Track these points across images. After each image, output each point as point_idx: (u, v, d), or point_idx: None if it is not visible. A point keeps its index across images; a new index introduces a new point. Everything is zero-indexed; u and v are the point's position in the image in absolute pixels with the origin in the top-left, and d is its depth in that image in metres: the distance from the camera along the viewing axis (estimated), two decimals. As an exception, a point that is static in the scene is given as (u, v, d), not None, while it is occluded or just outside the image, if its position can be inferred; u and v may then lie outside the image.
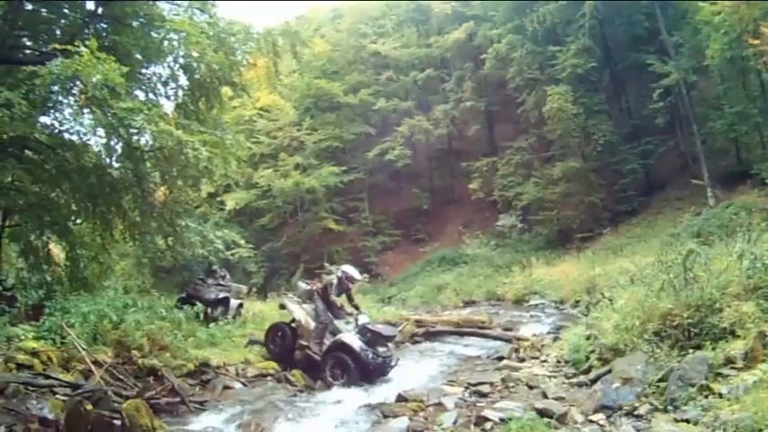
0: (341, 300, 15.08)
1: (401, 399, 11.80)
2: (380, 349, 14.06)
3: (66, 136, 15.72)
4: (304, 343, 14.34)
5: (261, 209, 49.54)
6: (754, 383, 7.84)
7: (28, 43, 16.39)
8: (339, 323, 14.44)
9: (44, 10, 16.00)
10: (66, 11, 16.28)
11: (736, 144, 34.76)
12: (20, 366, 10.63)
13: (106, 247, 18.27)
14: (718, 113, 33.92)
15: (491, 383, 12.55)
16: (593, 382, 11.26)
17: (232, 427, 10.55)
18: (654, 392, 9.35)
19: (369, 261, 45.66)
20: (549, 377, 12.79)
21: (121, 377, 11.44)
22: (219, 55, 16.25)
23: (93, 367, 11.01)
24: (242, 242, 25.18)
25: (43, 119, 15.15)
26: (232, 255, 31.91)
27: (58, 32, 15.92)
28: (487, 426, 9.43)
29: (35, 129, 14.11)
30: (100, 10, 16.34)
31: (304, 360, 14.37)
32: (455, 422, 10.04)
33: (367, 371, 13.73)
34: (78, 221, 17.90)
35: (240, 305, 19.21)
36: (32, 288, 16.22)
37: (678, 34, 35.26)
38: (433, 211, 50.72)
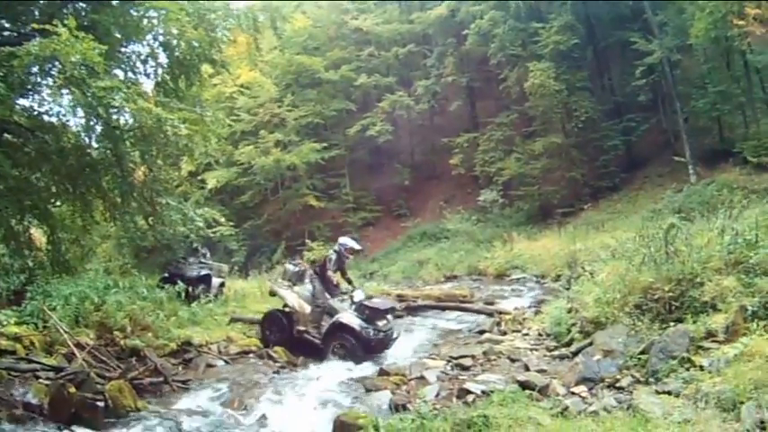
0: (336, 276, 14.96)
1: (383, 373, 11.89)
2: (380, 323, 13.99)
3: (46, 118, 15.46)
4: (301, 328, 14.12)
5: (242, 187, 49.39)
6: (735, 356, 7.86)
7: (6, 24, 16.17)
8: (334, 302, 14.35)
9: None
10: (44, -10, 16.07)
11: (718, 123, 34.94)
12: (2, 352, 10.63)
13: (87, 228, 18.00)
14: (701, 92, 34.26)
15: (473, 357, 12.59)
16: (575, 354, 11.31)
17: (216, 405, 10.58)
18: (635, 365, 9.38)
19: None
20: (531, 350, 12.84)
21: (104, 359, 11.38)
22: (199, 32, 16.09)
23: (75, 350, 10.96)
24: (223, 220, 25.11)
25: (22, 101, 14.94)
26: (213, 233, 31.76)
27: (36, 12, 15.70)
28: (469, 398, 9.46)
29: (14, 111, 13.95)
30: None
31: (304, 345, 14.18)
32: (437, 395, 10.12)
33: (370, 347, 13.72)
34: (58, 204, 17.66)
35: (222, 284, 19.23)
36: (14, 273, 16.08)
37: (662, 13, 35.50)
38: (414, 186, 50.57)
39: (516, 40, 43.36)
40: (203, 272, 18.42)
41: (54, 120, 15.48)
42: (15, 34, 15.25)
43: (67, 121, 15.38)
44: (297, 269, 15.26)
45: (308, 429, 9.37)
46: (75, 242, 18.28)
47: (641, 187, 37.61)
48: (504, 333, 15.07)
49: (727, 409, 6.70)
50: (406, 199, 50.63)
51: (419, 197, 49.95)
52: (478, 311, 18.84)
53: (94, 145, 15.82)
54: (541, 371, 10.79)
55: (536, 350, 12.82)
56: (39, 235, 18.33)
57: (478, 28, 44.50)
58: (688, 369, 8.33)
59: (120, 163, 15.48)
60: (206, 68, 18.31)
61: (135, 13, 16.17)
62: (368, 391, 10.86)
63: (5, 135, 15.39)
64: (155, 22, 16.07)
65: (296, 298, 14.42)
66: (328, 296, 14.40)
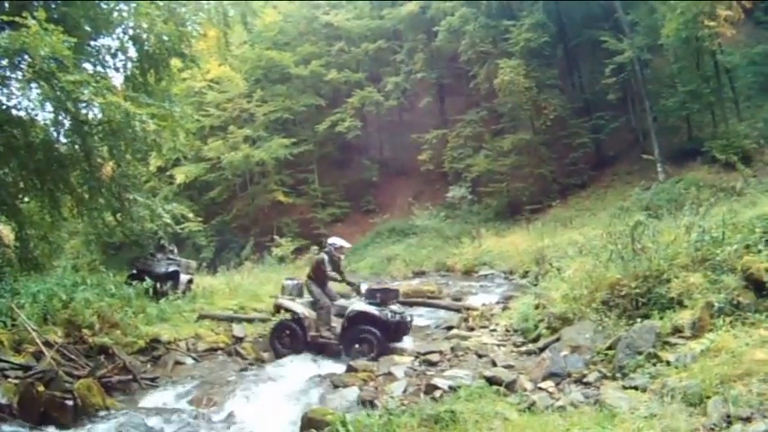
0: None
1: (351, 369, 11.88)
2: (393, 307, 14.01)
3: (14, 112, 15.32)
4: (314, 333, 13.92)
5: (210, 182, 49.00)
6: (702, 352, 7.97)
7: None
8: (341, 301, 14.33)
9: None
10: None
11: (687, 122, 35.24)
12: (-29, 352, 10.51)
13: (55, 225, 17.88)
14: (670, 91, 34.62)
15: (440, 352, 12.60)
16: (542, 350, 11.36)
17: (184, 403, 10.59)
18: (602, 360, 9.48)
19: (318, 233, 45.35)
20: (499, 346, 12.87)
21: (73, 357, 11.27)
22: (169, 26, 16.04)
23: (44, 348, 10.83)
24: (191, 216, 24.95)
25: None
26: (182, 229, 31.65)
27: (6, 4, 15.55)
28: (437, 394, 9.47)
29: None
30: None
31: (320, 348, 14.02)
32: (405, 391, 10.14)
33: (391, 334, 13.69)
34: (27, 200, 17.52)
35: (190, 280, 19.13)
36: (-18, 272, 15.92)
37: (634, 13, 35.69)
38: (382, 182, 50.77)
39: (487, 38, 43.38)
40: (171, 268, 18.27)
41: (22, 114, 15.35)
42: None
43: (36, 115, 15.26)
44: (295, 282, 15.08)
45: (275, 426, 9.36)
46: (43, 239, 18.11)
47: (610, 185, 37.85)
48: (472, 329, 15.10)
49: (694, 404, 6.77)
50: (374, 195, 50.72)
51: (388, 193, 50.07)
52: (446, 307, 18.88)
53: (63, 140, 15.75)
54: (509, 366, 10.82)
55: (503, 346, 12.86)
56: (6, 232, 18.17)
57: (449, 25, 44.49)
58: (654, 364, 8.39)
59: (89, 158, 15.42)
60: (175, 63, 18.26)
61: (105, 6, 16.10)
62: (336, 387, 10.87)
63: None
64: (125, 14, 16.05)
65: (302, 306, 14.30)
66: (328, 299, 14.31)
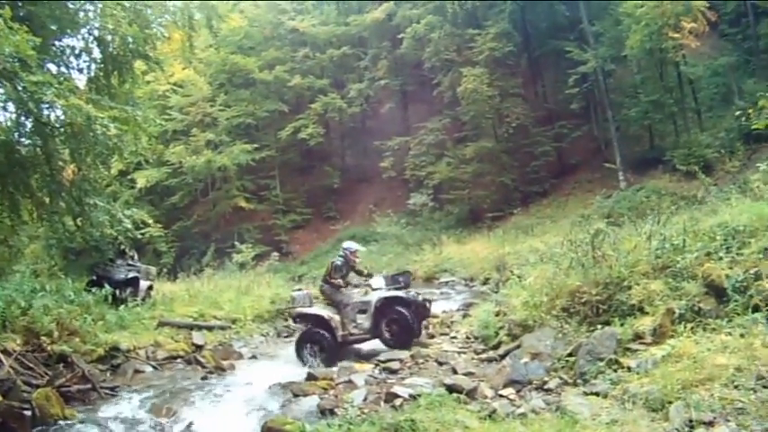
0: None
1: (311, 377, 11.79)
2: (412, 291, 14.19)
3: (-25, 113, 15.18)
4: (343, 332, 13.85)
5: (172, 187, 48.67)
6: (663, 357, 8.00)
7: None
8: (359, 297, 14.30)
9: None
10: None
11: (649, 131, 35.87)
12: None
13: (15, 229, 17.60)
14: (633, 101, 35.15)
15: (401, 360, 12.52)
16: (503, 357, 11.40)
17: (143, 413, 10.42)
18: (563, 367, 9.52)
19: (279, 239, 45.86)
20: (459, 353, 12.89)
21: (31, 365, 11.11)
22: (134, 28, 15.92)
23: (1, 356, 10.65)
24: (151, 221, 24.72)
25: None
26: (142, 235, 31.25)
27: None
28: (397, 402, 9.39)
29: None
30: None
31: (349, 348, 14.14)
32: (365, 399, 10.04)
33: (418, 313, 13.93)
34: (-15, 204, 17.32)
35: (150, 287, 18.97)
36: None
37: (599, 24, 36.07)
38: (344, 189, 50.87)
39: (451, 46, 43.60)
40: (131, 274, 18.10)
41: (-16, 115, 15.15)
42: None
43: (-3, 116, 15.03)
44: (304, 293, 14.87)
45: (235, 436, 9.31)
46: (2, 243, 17.84)
47: (571, 193, 38.20)
48: (433, 336, 15.06)
49: (656, 409, 6.83)
50: (336, 201, 50.76)
51: (349, 200, 50.15)
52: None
53: (24, 142, 15.54)
54: (469, 374, 10.81)
55: (464, 353, 12.87)
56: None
57: (414, 32, 44.74)
58: (616, 370, 8.44)
59: (50, 161, 15.24)
60: (139, 65, 18.16)
61: (72, 6, 15.93)
62: (296, 396, 10.77)
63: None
64: (90, 15, 15.88)
65: (324, 309, 14.27)
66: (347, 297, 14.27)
